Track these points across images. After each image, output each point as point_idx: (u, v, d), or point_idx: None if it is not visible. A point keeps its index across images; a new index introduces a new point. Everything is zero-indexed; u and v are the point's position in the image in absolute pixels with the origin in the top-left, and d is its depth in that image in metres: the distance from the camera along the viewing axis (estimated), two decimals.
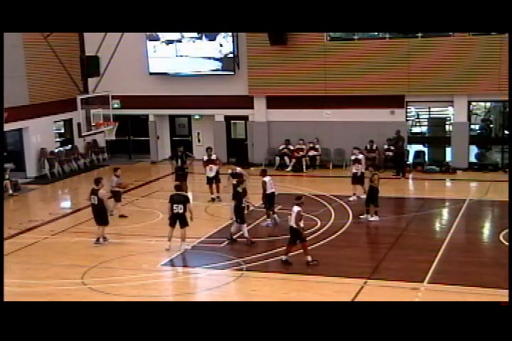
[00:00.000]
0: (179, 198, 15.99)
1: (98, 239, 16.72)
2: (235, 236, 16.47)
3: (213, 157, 21.03)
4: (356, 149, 20.69)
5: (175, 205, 15.93)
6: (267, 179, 17.93)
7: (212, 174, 20.71)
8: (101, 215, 16.64)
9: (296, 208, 14.49)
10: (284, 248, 14.90)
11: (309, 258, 14.54)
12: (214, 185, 20.80)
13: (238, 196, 16.48)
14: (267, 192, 17.79)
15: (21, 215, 20.14)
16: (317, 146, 25.65)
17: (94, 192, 16.58)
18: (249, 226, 17.73)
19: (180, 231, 15.99)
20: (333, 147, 25.85)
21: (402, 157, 24.19)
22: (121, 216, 18.99)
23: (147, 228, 17.04)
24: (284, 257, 14.73)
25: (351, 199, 19.97)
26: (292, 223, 14.49)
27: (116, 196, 19.17)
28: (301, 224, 14.52)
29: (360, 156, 20.33)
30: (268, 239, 16.88)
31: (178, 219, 15.99)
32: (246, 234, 16.23)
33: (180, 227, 15.99)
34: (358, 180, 20.09)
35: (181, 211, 15.90)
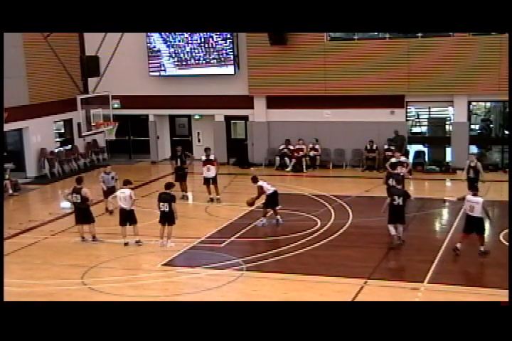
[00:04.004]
0: (165, 197, 16.20)
1: (94, 237, 16.84)
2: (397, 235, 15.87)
3: (211, 157, 20.96)
4: (398, 152, 20.66)
5: (161, 204, 16.19)
6: (260, 183, 17.92)
7: (210, 175, 20.63)
8: (85, 213, 16.77)
9: (479, 198, 14.68)
10: (460, 238, 15.15)
11: (482, 248, 14.82)
12: (212, 186, 20.71)
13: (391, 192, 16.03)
14: (268, 193, 17.78)
15: (21, 215, 20.14)
16: (317, 146, 25.65)
17: (76, 190, 16.68)
18: (249, 227, 17.75)
19: (167, 228, 16.20)
20: (333, 147, 25.85)
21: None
22: (107, 210, 19.26)
23: (147, 228, 17.03)
24: (458, 245, 14.94)
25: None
26: (477, 213, 14.60)
27: (106, 193, 19.25)
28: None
29: (403, 158, 20.14)
30: (268, 239, 16.87)
31: (165, 218, 16.23)
32: (401, 234, 15.85)
33: (167, 225, 16.21)
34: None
35: (167, 209, 16.10)
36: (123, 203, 16.48)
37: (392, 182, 18.04)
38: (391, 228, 15.65)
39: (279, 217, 17.92)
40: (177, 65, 26.68)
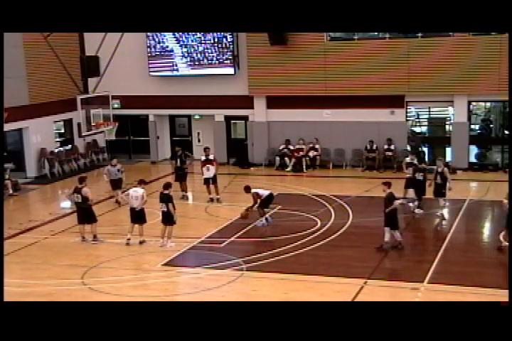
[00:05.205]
0: (163, 197, 16.29)
1: (95, 237, 16.85)
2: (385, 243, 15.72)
3: (211, 157, 20.96)
4: (411, 153, 20.63)
5: (160, 204, 16.29)
6: (254, 190, 17.90)
7: (209, 175, 20.63)
8: (88, 213, 16.80)
9: None
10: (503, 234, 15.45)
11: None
12: (212, 186, 20.72)
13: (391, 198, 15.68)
14: (264, 197, 17.78)
15: (21, 215, 20.14)
16: (317, 146, 25.65)
17: (77, 190, 16.71)
18: (249, 227, 17.74)
19: (166, 228, 16.24)
20: (333, 147, 25.84)
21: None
22: (117, 202, 20.30)
23: (147, 228, 17.01)
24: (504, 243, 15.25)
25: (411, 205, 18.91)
26: None
27: (113, 184, 20.22)
28: None
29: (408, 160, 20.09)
30: (268, 239, 16.87)
31: (164, 218, 16.32)
32: (399, 239, 15.58)
33: (167, 225, 16.26)
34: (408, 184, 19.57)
35: (165, 209, 16.18)
36: (134, 202, 16.50)
37: (418, 175, 18.70)
38: (398, 234, 15.61)
39: (267, 215, 18.00)
40: (190, 65, 26.62)
